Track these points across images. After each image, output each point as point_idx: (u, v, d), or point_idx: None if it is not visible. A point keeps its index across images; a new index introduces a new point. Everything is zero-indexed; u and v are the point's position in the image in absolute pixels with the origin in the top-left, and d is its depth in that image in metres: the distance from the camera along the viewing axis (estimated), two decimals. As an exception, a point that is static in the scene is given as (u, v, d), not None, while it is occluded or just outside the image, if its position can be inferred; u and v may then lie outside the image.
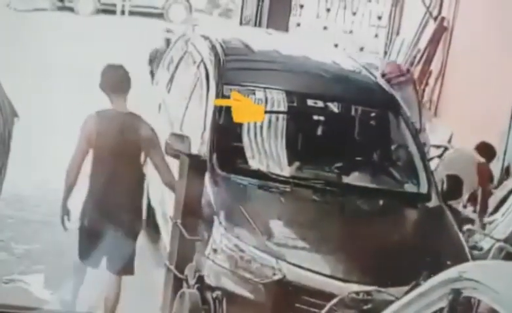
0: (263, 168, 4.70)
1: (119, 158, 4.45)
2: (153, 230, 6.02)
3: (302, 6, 13.05)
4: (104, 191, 4.51)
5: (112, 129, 4.48)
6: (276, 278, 4.08)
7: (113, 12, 17.87)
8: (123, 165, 4.48)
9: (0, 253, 5.56)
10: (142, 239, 6.14)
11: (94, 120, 4.53)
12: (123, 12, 18.05)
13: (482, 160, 6.29)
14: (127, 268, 4.66)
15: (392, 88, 5.82)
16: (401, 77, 7.32)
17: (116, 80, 4.54)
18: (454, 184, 4.92)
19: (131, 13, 17.86)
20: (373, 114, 5.50)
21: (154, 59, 8.52)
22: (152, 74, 8.48)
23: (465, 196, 6.07)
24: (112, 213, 4.49)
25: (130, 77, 4.60)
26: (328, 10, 13.45)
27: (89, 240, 4.56)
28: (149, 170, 6.22)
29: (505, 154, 7.10)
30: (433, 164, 6.13)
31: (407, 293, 3.03)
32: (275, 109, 4.97)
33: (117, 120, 4.51)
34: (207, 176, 4.39)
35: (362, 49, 12.67)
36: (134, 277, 5.42)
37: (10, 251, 5.62)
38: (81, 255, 4.64)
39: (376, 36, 13.45)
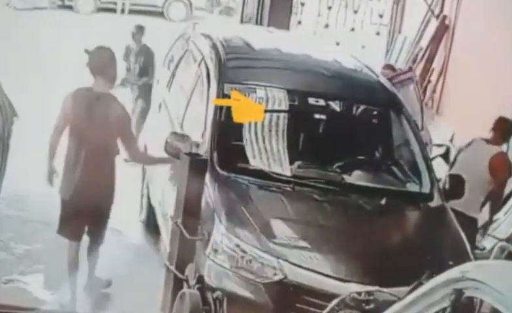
0: (264, 167, 4.67)
1: (91, 133, 4.69)
2: (153, 230, 6.01)
3: (303, 4, 13.04)
4: (76, 165, 4.75)
5: (84, 106, 4.73)
6: (277, 278, 4.06)
7: (113, 11, 17.87)
8: (95, 140, 4.69)
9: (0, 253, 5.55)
10: (142, 239, 6.15)
11: (71, 98, 4.80)
12: (123, 11, 18.05)
13: (496, 150, 5.73)
14: (99, 239, 4.97)
15: (393, 86, 5.79)
16: (402, 76, 7.29)
17: (99, 61, 4.75)
18: (456, 184, 4.89)
19: (131, 11, 17.86)
20: (375, 112, 5.47)
21: (127, 56, 8.44)
22: (128, 70, 8.39)
23: (480, 198, 5.66)
24: (84, 186, 4.72)
25: (115, 61, 4.81)
26: (330, 8, 13.44)
27: (68, 213, 4.84)
28: (150, 171, 6.23)
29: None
30: (435, 163, 6.07)
31: (409, 293, 3.01)
32: (276, 107, 4.94)
33: (90, 98, 4.74)
34: (207, 175, 4.36)
35: (363, 47, 12.65)
36: (135, 277, 5.41)
37: (9, 251, 5.60)
38: (60, 228, 4.91)
39: (378, 34, 13.44)
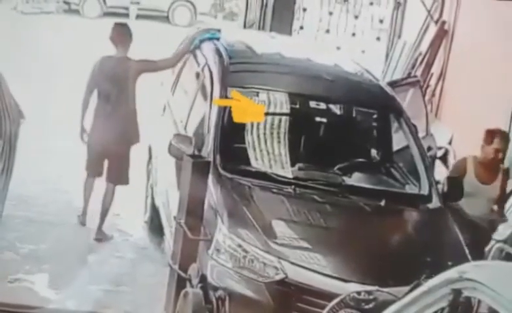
0: (266, 169, 4.72)
1: (115, 88, 5.71)
2: (157, 230, 6.08)
3: (304, 10, 13.13)
4: (103, 113, 5.76)
5: (108, 67, 5.79)
6: (278, 277, 4.12)
7: (119, 15, 17.94)
8: (118, 93, 5.71)
9: (5, 253, 5.59)
10: (146, 239, 6.22)
11: (98, 63, 5.88)
12: (128, 16, 18.12)
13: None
14: (122, 178, 5.88)
15: (397, 90, 5.85)
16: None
17: (118, 34, 5.87)
18: (455, 186, 4.95)
19: (137, 16, 17.93)
20: (374, 116, 5.54)
21: None
22: None
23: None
24: (104, 129, 5.69)
25: (131, 33, 5.90)
26: (331, 13, 13.53)
27: (92, 154, 5.87)
28: (153, 173, 6.31)
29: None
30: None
31: (408, 293, 3.06)
32: (278, 110, 5.01)
33: (113, 61, 5.83)
34: (210, 177, 4.43)
35: (364, 51, 12.73)
36: (138, 277, 5.48)
37: (15, 251, 5.64)
38: (87, 167, 5.94)
39: (378, 39, 13.52)
